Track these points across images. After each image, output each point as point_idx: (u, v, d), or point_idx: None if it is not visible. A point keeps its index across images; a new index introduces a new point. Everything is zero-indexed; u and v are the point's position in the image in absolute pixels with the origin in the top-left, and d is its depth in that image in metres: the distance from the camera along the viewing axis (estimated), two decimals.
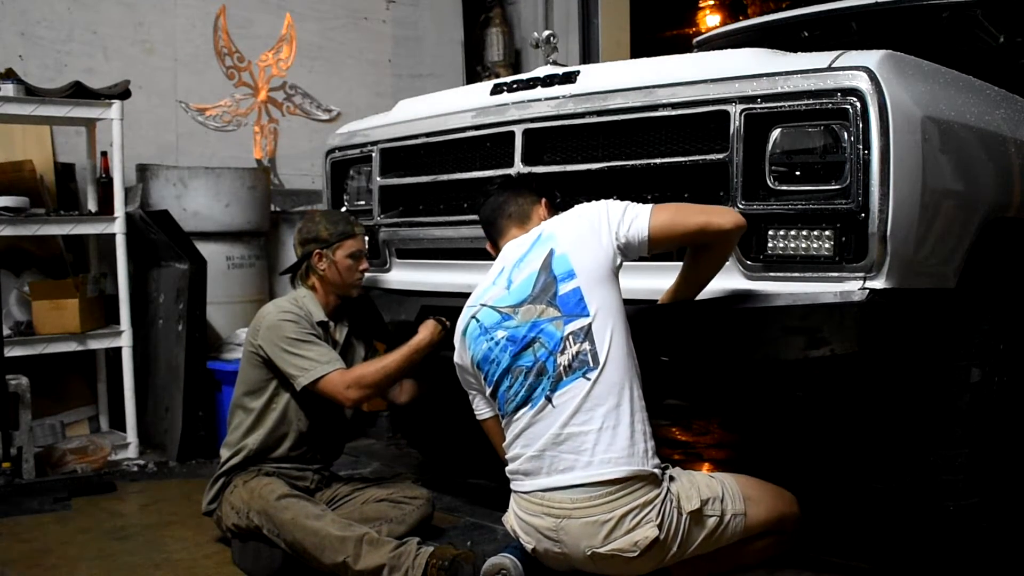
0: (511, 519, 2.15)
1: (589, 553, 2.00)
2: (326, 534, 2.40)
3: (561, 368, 2.03)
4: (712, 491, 2.08)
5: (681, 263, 2.22)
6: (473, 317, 2.20)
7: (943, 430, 2.26)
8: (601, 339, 2.04)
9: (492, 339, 2.13)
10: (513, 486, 2.14)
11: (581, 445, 2.01)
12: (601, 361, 2.02)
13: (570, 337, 2.04)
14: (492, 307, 2.16)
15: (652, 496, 2.00)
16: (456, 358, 2.26)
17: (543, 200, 2.37)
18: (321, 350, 2.65)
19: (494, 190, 2.42)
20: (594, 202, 2.18)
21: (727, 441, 4.18)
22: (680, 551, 2.04)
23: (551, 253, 2.12)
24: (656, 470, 2.04)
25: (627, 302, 2.17)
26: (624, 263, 2.15)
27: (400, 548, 2.35)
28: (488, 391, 2.19)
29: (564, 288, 2.08)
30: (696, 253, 2.14)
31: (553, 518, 2.03)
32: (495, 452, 2.32)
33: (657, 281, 2.30)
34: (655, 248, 2.12)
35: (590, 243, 2.10)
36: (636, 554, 1.98)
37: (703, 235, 2.07)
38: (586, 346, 2.03)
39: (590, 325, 2.04)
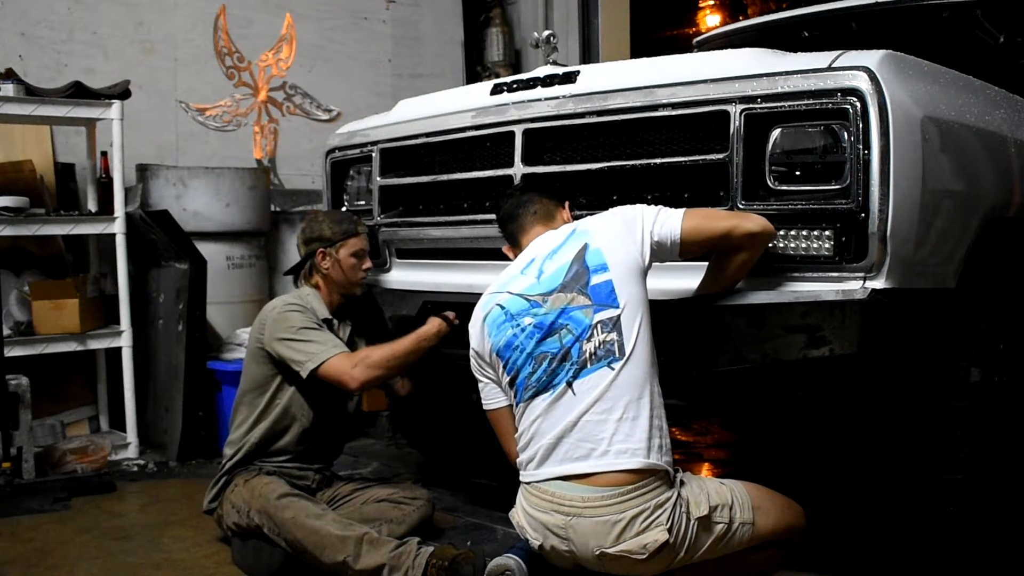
0: (518, 514, 2.15)
1: (598, 553, 2.00)
2: (326, 533, 2.40)
3: (586, 355, 2.04)
4: (721, 498, 2.08)
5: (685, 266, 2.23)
6: (497, 304, 2.19)
7: (943, 430, 2.26)
8: (629, 331, 2.05)
9: (518, 326, 2.13)
10: (523, 476, 2.13)
11: (599, 434, 2.00)
12: (627, 352, 2.03)
13: (598, 326, 2.05)
14: (520, 295, 2.16)
15: (663, 499, 2.00)
16: (473, 345, 2.25)
17: (566, 203, 2.38)
18: (326, 336, 2.66)
19: (516, 190, 2.43)
20: (630, 205, 2.20)
21: (727, 441, 4.18)
22: (687, 555, 2.04)
23: (585, 247, 2.14)
24: (669, 468, 2.04)
25: None
26: (653, 265, 2.16)
27: (400, 548, 2.35)
28: (506, 380, 2.17)
29: (596, 279, 2.09)
30: (722, 257, 2.15)
31: (563, 515, 2.02)
32: (500, 448, 2.30)
33: (665, 283, 2.30)
34: (686, 249, 2.14)
35: (625, 240, 2.12)
36: (644, 556, 1.98)
37: (731, 238, 2.09)
38: (613, 336, 2.04)
39: (619, 316, 2.05)
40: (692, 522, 2.02)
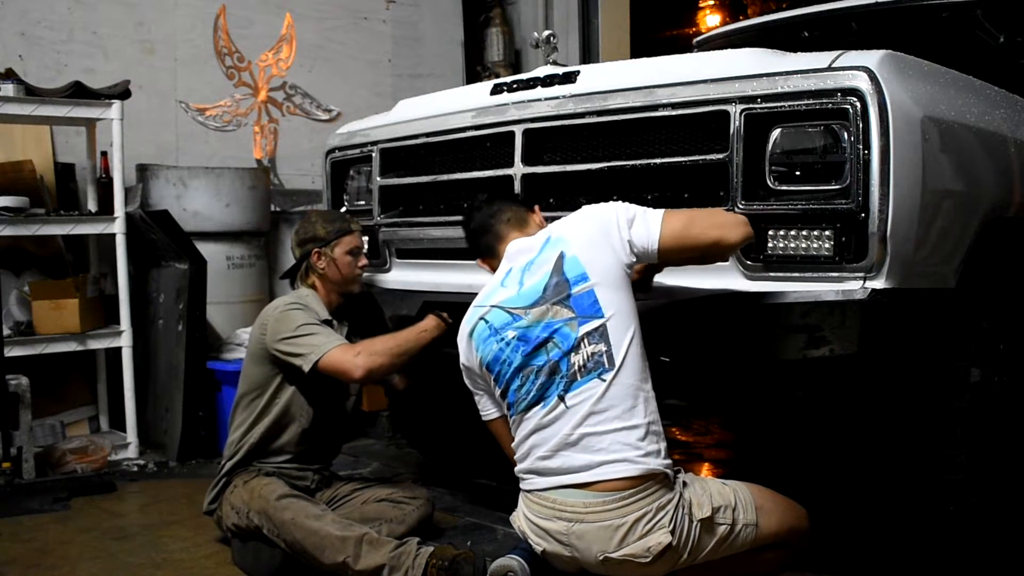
0: (520, 519, 2.14)
1: (601, 558, 1.99)
2: (326, 534, 2.40)
3: (576, 368, 2.02)
4: (724, 499, 2.07)
5: None
6: (482, 318, 2.17)
7: (943, 430, 2.26)
8: (617, 341, 2.03)
9: (503, 339, 2.11)
10: (523, 486, 2.12)
11: (595, 445, 1.99)
12: (617, 363, 2.01)
13: (585, 338, 2.03)
14: (502, 308, 2.14)
15: (665, 501, 1.99)
16: (462, 359, 2.24)
17: (536, 208, 2.36)
18: (327, 330, 2.65)
19: (482, 201, 2.39)
20: (604, 204, 2.16)
21: (727, 441, 4.18)
22: (691, 557, 2.03)
23: (562, 256, 2.10)
24: (668, 471, 2.04)
25: None
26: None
27: (400, 548, 2.35)
28: (498, 392, 2.16)
29: (578, 290, 2.06)
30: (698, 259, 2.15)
31: (565, 522, 2.01)
32: (501, 452, 2.30)
33: (666, 282, 2.30)
34: (664, 259, 2.11)
35: (602, 246, 2.08)
36: (648, 560, 1.97)
37: (714, 249, 2.07)
38: (602, 347, 2.02)
39: (605, 326, 2.03)
40: (695, 524, 2.02)
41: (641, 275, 2.23)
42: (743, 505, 2.08)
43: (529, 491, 2.10)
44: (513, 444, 2.15)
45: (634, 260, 2.09)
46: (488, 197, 2.42)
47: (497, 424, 2.26)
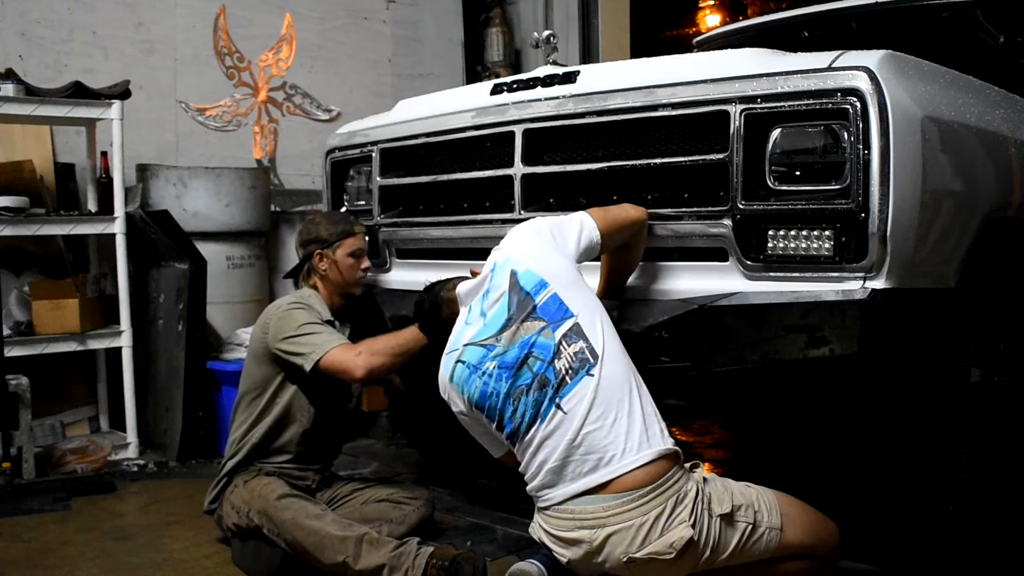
0: (539, 532, 2.10)
1: (626, 559, 1.97)
2: (326, 534, 2.40)
3: (563, 373, 2.01)
4: (746, 499, 2.05)
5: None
6: (458, 361, 2.15)
7: (943, 430, 2.26)
8: (593, 334, 2.03)
9: (484, 373, 2.09)
10: (539, 504, 2.09)
11: (601, 442, 1.98)
12: (600, 354, 2.01)
13: (563, 341, 2.02)
14: (474, 344, 2.13)
15: (682, 494, 1.98)
16: (453, 408, 2.21)
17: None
18: (329, 330, 2.65)
19: (423, 290, 2.46)
20: (528, 222, 2.24)
21: (727, 441, 4.18)
22: (713, 556, 2.00)
23: (514, 273, 2.11)
24: (677, 449, 2.03)
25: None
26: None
27: (400, 548, 2.35)
28: (493, 427, 2.13)
29: (541, 298, 2.06)
30: (622, 249, 2.32)
31: (588, 530, 1.98)
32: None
33: (664, 283, 2.30)
34: (605, 244, 2.24)
35: (549, 252, 2.13)
36: (672, 556, 1.94)
37: (634, 226, 2.27)
38: (581, 344, 2.02)
39: (578, 323, 2.03)
40: (714, 519, 1.99)
41: (608, 281, 2.40)
42: (766, 507, 2.05)
43: (546, 508, 2.07)
44: (521, 468, 2.12)
45: (577, 258, 2.18)
46: (426, 286, 2.48)
47: (507, 458, 2.23)
